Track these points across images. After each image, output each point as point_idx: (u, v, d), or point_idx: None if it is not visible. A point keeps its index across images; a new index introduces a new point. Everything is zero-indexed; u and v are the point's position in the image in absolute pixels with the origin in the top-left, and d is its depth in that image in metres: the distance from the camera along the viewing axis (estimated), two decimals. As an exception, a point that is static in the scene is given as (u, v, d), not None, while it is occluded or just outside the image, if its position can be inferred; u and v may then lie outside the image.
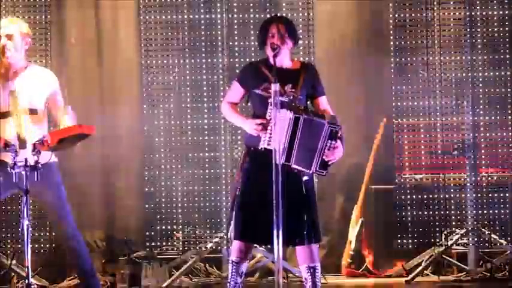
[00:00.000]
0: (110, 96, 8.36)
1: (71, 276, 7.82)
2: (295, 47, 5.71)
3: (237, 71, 7.54)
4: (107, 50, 8.45)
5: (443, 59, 8.02)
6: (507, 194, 7.94)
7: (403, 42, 8.05)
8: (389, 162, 8.15)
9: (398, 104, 8.03)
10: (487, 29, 8.02)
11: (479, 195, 7.94)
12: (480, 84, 7.99)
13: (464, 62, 8.02)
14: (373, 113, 8.34)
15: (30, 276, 5.48)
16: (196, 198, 7.94)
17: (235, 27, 7.99)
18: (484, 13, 8.02)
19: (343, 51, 8.49)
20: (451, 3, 8.05)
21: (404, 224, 7.97)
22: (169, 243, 7.94)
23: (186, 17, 8.02)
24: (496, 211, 7.93)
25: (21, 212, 5.37)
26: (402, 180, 8.04)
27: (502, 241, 7.90)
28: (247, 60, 7.70)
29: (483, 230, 7.92)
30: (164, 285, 7.65)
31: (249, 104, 5.63)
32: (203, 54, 7.99)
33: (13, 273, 7.68)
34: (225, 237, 7.78)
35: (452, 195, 8.01)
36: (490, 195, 7.96)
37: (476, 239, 7.92)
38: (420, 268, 7.91)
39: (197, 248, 7.91)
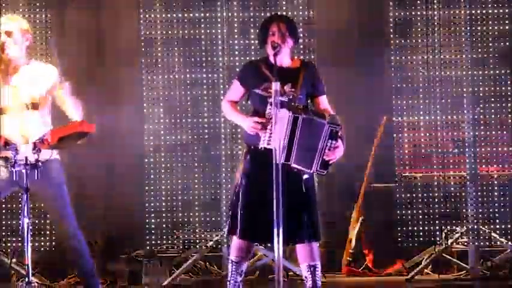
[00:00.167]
0: (110, 96, 8.36)
1: (71, 274, 7.82)
2: (295, 46, 5.71)
3: (237, 69, 7.56)
4: (107, 49, 8.46)
5: (443, 58, 8.02)
6: (507, 192, 7.95)
7: (403, 41, 8.05)
8: (389, 160, 8.15)
9: (398, 102, 8.03)
10: (487, 28, 8.01)
11: (479, 193, 7.95)
12: (480, 83, 7.99)
13: (464, 60, 8.02)
14: (373, 112, 8.35)
15: (30, 274, 5.48)
16: (196, 197, 7.94)
17: (235, 25, 7.99)
18: (484, 11, 8.02)
19: (343, 50, 8.49)
20: (451, 1, 8.06)
21: (405, 223, 7.98)
22: (169, 242, 7.93)
23: (186, 15, 8.01)
24: (496, 209, 7.94)
25: (22, 210, 5.38)
26: (402, 178, 8.04)
27: (502, 239, 7.91)
28: (247, 58, 7.71)
29: (483, 228, 7.92)
30: (164, 283, 7.65)
31: (249, 102, 5.63)
32: (203, 53, 7.99)
33: (13, 272, 7.68)
34: (225, 235, 7.78)
35: (452, 194, 8.01)
36: (490, 193, 7.97)
37: (476, 238, 7.92)
38: (420, 266, 7.92)
39: (197, 246, 7.91)
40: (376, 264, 8.23)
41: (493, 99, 7.99)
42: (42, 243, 7.78)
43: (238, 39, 7.99)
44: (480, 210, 7.94)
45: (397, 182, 8.06)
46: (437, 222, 7.97)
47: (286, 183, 5.03)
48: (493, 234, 7.90)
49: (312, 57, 7.88)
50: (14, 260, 7.59)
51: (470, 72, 7.99)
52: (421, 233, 7.98)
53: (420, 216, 7.99)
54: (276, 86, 5.05)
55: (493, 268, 7.87)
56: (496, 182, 8.00)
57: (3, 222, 7.79)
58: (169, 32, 8.03)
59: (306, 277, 5.53)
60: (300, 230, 5.42)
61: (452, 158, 8.05)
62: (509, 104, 8.00)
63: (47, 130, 5.59)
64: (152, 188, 7.95)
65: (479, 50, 8.01)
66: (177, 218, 7.94)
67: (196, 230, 7.94)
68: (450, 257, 8.08)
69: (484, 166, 8.00)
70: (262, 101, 5.41)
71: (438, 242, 7.94)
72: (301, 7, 7.98)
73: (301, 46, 7.83)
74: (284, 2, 7.99)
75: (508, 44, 7.99)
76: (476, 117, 7.97)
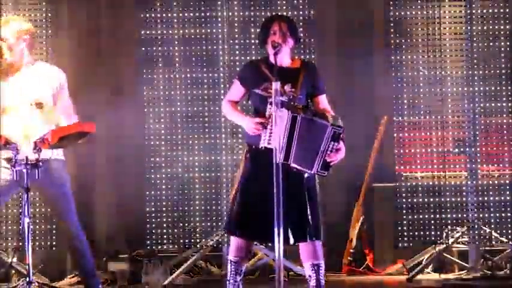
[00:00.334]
0: (110, 96, 8.36)
1: (71, 274, 7.82)
2: (296, 46, 5.71)
3: (238, 69, 7.56)
4: (107, 48, 8.46)
5: (443, 57, 8.01)
6: (508, 192, 7.94)
7: (403, 40, 8.04)
8: (390, 160, 8.15)
9: (399, 102, 8.02)
10: (488, 27, 8.00)
11: (479, 193, 7.94)
12: (481, 82, 7.98)
13: (465, 60, 8.01)
14: (374, 112, 8.35)
15: (31, 273, 5.49)
16: (197, 197, 7.94)
17: (236, 24, 7.99)
18: (484, 10, 8.01)
19: (343, 49, 8.49)
20: (452, 0, 8.05)
21: (405, 222, 7.97)
22: (169, 241, 7.93)
23: (186, 14, 8.01)
24: (497, 209, 7.93)
25: (22, 209, 5.39)
26: (403, 178, 8.04)
27: (502, 239, 7.90)
28: (248, 58, 7.70)
29: (484, 228, 7.91)
30: (165, 283, 7.65)
31: (249, 102, 5.63)
32: (204, 53, 7.98)
33: (14, 271, 7.68)
34: (226, 235, 7.77)
35: (453, 193, 8.00)
36: (491, 193, 7.96)
37: (477, 237, 7.92)
38: (421, 266, 7.91)
39: (198, 246, 7.91)
40: (376, 264, 8.23)
41: (493, 99, 7.98)
42: (43, 243, 7.77)
43: (238, 38, 7.98)
44: (481, 210, 7.94)
45: (397, 182, 8.05)
46: (437, 221, 7.96)
47: (286, 183, 5.04)
48: (493, 233, 7.89)
49: (313, 57, 7.87)
50: (14, 260, 7.59)
51: (470, 72, 7.98)
52: (421, 233, 7.97)
53: (421, 216, 7.98)
54: (276, 85, 5.05)
55: (493, 268, 7.87)
56: (496, 182, 7.99)
57: (4, 222, 7.77)
58: (170, 32, 8.02)
59: (309, 276, 5.53)
60: (301, 229, 5.42)
61: (453, 158, 8.04)
62: (509, 104, 7.99)
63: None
64: (152, 187, 7.94)
65: (480, 49, 7.99)
66: (178, 218, 7.93)
67: (197, 230, 7.94)
68: (451, 257, 8.08)
69: (484, 166, 7.99)
70: (262, 101, 5.41)
71: (439, 242, 7.94)
72: (301, 6, 7.97)
73: (302, 46, 7.82)
74: (284, 2, 7.98)
75: (508, 43, 7.97)
76: (476, 116, 7.96)
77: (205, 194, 7.93)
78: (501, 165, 8.01)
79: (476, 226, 7.92)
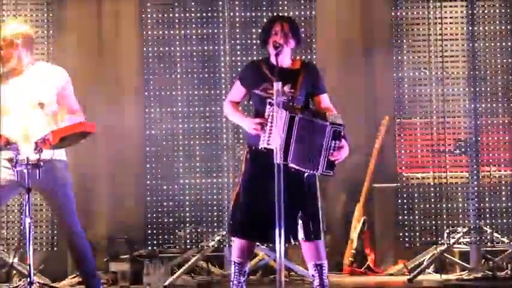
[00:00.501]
0: (112, 96, 8.37)
1: (72, 274, 7.82)
2: (297, 48, 5.71)
3: (239, 69, 7.56)
4: (109, 48, 8.46)
5: (444, 58, 8.01)
6: (509, 192, 7.94)
7: (404, 40, 8.04)
8: (391, 161, 8.15)
9: (400, 102, 8.02)
10: (489, 28, 8.00)
11: (481, 193, 7.94)
12: (482, 83, 7.98)
13: (466, 60, 8.01)
14: (375, 112, 8.35)
15: (32, 274, 5.49)
16: (198, 197, 7.93)
17: (237, 25, 7.98)
18: (485, 11, 8.00)
19: (345, 49, 8.49)
20: (454, 1, 8.04)
21: (406, 223, 7.96)
22: (171, 242, 7.93)
23: (188, 15, 8.00)
24: (498, 209, 7.92)
25: (23, 210, 5.39)
26: (404, 179, 8.03)
27: (504, 239, 7.90)
28: (249, 58, 7.70)
29: (485, 228, 7.91)
30: (166, 283, 7.64)
31: (250, 102, 5.63)
32: (205, 53, 7.98)
33: (15, 271, 7.68)
34: (227, 236, 7.78)
35: (454, 194, 8.00)
36: (492, 193, 7.95)
37: (478, 238, 7.92)
38: (422, 267, 7.91)
39: (199, 246, 7.90)
40: (377, 264, 8.23)
41: (494, 99, 7.98)
42: (44, 243, 7.77)
43: (240, 39, 7.97)
44: (482, 211, 7.93)
45: (398, 182, 8.05)
46: (439, 222, 7.96)
47: (287, 183, 5.04)
48: (494, 234, 7.89)
49: (314, 57, 7.87)
50: (15, 260, 7.59)
51: (472, 73, 7.97)
52: (422, 233, 7.97)
53: (422, 217, 7.98)
54: (277, 86, 5.05)
55: (494, 268, 7.86)
56: (497, 182, 7.98)
57: (5, 222, 7.77)
58: (171, 32, 8.01)
59: (313, 276, 5.54)
60: (302, 228, 5.43)
61: (454, 158, 8.04)
62: (511, 104, 7.98)
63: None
64: (154, 188, 7.93)
65: (482, 49, 7.99)
66: (179, 218, 7.93)
67: (198, 230, 7.93)
68: (452, 257, 8.08)
69: (485, 166, 7.98)
70: (262, 102, 5.42)
71: (440, 242, 7.93)
72: (302, 7, 7.96)
73: (302, 46, 7.81)
74: (286, 2, 7.98)
75: (510, 44, 7.97)
76: (478, 117, 7.96)
77: (207, 194, 7.92)
78: (502, 165, 8.00)
79: (477, 227, 7.92)
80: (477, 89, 7.97)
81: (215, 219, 7.91)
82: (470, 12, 7.98)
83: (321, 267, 5.52)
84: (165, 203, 7.92)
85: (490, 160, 7.99)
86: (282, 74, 5.21)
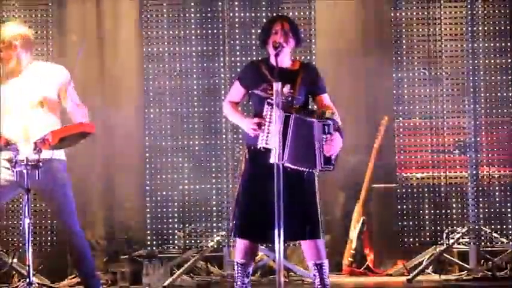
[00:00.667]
0: (111, 96, 8.37)
1: (72, 275, 7.82)
2: (297, 48, 5.72)
3: (239, 69, 7.56)
4: (108, 48, 8.47)
5: (445, 58, 8.01)
6: (508, 193, 7.94)
7: (404, 41, 8.03)
8: (390, 161, 8.15)
9: (400, 102, 8.02)
10: (489, 28, 7.99)
11: (480, 193, 7.94)
12: (481, 83, 7.98)
13: (465, 61, 8.01)
14: (374, 112, 8.35)
15: (31, 274, 5.49)
16: (197, 197, 7.93)
17: (237, 25, 7.98)
18: (485, 11, 8.00)
19: (344, 49, 8.49)
20: (453, 1, 8.04)
21: (405, 223, 7.96)
22: (170, 242, 7.93)
23: (187, 15, 8.00)
24: (497, 209, 7.92)
25: (23, 210, 5.39)
26: (403, 179, 8.03)
27: (503, 240, 7.90)
28: (249, 59, 7.70)
29: (484, 228, 7.91)
30: (165, 284, 7.64)
31: (250, 102, 5.64)
32: (204, 53, 7.98)
33: (14, 272, 7.68)
34: (226, 236, 7.78)
35: (453, 194, 8.00)
36: (491, 193, 7.95)
37: (477, 238, 7.92)
38: (421, 267, 7.91)
39: (198, 246, 7.90)
40: (377, 265, 8.23)
41: (494, 100, 7.97)
42: (43, 244, 7.77)
43: (239, 39, 7.97)
44: (481, 211, 7.93)
45: (398, 183, 8.05)
46: (438, 222, 7.96)
47: (286, 182, 5.04)
48: (494, 234, 7.89)
49: (313, 58, 7.87)
50: (15, 260, 7.58)
51: (471, 74, 7.96)
52: (422, 234, 7.96)
53: (421, 217, 7.97)
54: (276, 86, 5.05)
55: (494, 268, 7.86)
56: (497, 183, 7.98)
57: (4, 223, 7.77)
58: (171, 32, 8.01)
59: (314, 275, 5.54)
60: (302, 228, 5.43)
61: (453, 159, 8.03)
62: (510, 104, 7.98)
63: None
64: (153, 188, 7.93)
65: (481, 50, 7.99)
66: (178, 218, 7.93)
67: (197, 230, 7.93)
68: (451, 258, 8.08)
69: (485, 166, 7.98)
70: (261, 102, 5.42)
71: (439, 243, 7.93)
72: (302, 7, 7.96)
73: (301, 45, 7.81)
74: (285, 2, 7.97)
75: (509, 44, 7.97)
76: (477, 117, 7.96)
77: (206, 195, 7.92)
78: (501, 166, 8.00)
79: (476, 227, 7.92)
80: (476, 89, 7.96)
81: (214, 219, 7.91)
82: (469, 12, 7.97)
83: (321, 266, 5.52)
84: (164, 203, 7.92)
85: (490, 160, 7.98)
86: (282, 75, 5.20)
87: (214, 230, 7.91)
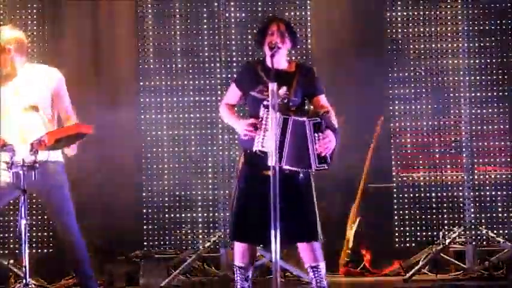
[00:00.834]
0: (107, 97, 8.37)
1: (68, 276, 7.81)
2: (293, 49, 5.71)
3: (235, 70, 7.57)
4: (104, 49, 8.46)
5: (440, 57, 8.02)
6: (504, 192, 7.94)
7: (400, 41, 8.04)
8: (386, 161, 8.15)
9: (396, 103, 8.02)
10: (484, 28, 8.00)
11: (476, 193, 7.94)
12: (477, 83, 7.99)
13: (461, 61, 8.02)
14: (370, 112, 8.35)
15: (27, 276, 5.49)
16: (194, 198, 7.93)
17: (233, 26, 7.98)
18: (481, 11, 8.00)
19: (340, 50, 8.50)
20: (448, 1, 8.05)
21: (402, 223, 7.97)
22: (167, 243, 7.93)
23: (184, 15, 8.00)
24: (494, 209, 7.93)
25: (19, 211, 5.39)
26: (400, 179, 8.04)
27: (499, 239, 7.90)
28: (245, 59, 7.70)
29: (481, 228, 7.92)
30: (162, 284, 7.64)
31: (246, 104, 5.63)
32: (200, 53, 7.98)
33: (11, 273, 7.68)
34: (223, 236, 7.78)
35: (449, 194, 8.01)
36: (488, 193, 7.96)
37: (473, 238, 7.93)
38: (418, 267, 7.92)
39: (195, 247, 7.91)
40: (373, 265, 8.23)
41: (489, 100, 7.98)
42: (40, 245, 7.77)
43: (235, 39, 7.97)
44: (477, 210, 7.94)
45: (394, 183, 8.05)
46: (434, 222, 7.96)
47: (283, 185, 5.03)
48: (490, 234, 7.90)
49: (309, 58, 7.88)
50: (11, 262, 7.58)
51: (467, 72, 7.98)
52: (418, 233, 7.97)
53: (417, 216, 7.98)
54: (272, 86, 5.04)
55: (490, 268, 7.87)
56: (493, 182, 7.99)
57: (1, 224, 7.77)
58: (167, 33, 8.01)
59: (311, 277, 5.52)
60: (298, 230, 5.42)
61: (450, 158, 8.04)
62: (506, 104, 7.99)
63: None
64: (150, 188, 7.94)
65: (477, 50, 8.00)
66: (175, 219, 7.93)
67: (194, 231, 7.94)
68: (448, 257, 8.09)
69: (481, 166, 7.99)
70: (257, 104, 5.40)
71: (436, 242, 7.94)
72: (298, 8, 7.96)
73: (297, 47, 7.82)
74: (280, 2, 7.98)
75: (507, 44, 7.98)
76: (473, 117, 7.97)
77: (203, 195, 7.93)
78: (497, 165, 8.01)
79: (472, 226, 7.93)
80: (472, 88, 7.97)
81: (211, 220, 7.91)
82: (466, 12, 7.97)
83: (317, 269, 5.50)
84: (161, 204, 7.92)
85: (486, 160, 7.99)
86: (278, 76, 5.18)
87: (211, 231, 7.91)
